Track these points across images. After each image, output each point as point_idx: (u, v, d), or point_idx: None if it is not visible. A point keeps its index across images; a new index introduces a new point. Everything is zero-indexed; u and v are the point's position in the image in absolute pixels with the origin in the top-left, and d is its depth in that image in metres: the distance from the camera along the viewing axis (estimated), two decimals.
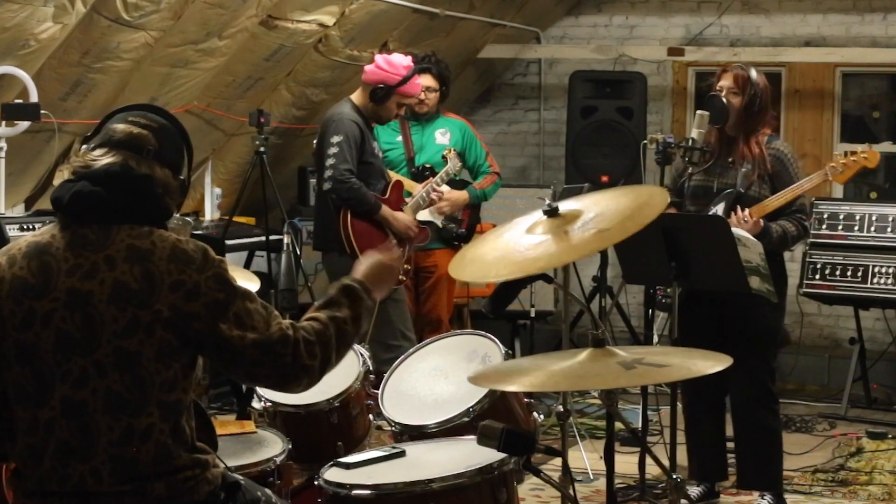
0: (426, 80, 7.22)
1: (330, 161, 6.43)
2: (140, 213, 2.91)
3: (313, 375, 2.97)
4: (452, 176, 7.13)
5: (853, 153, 5.63)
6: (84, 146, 3.00)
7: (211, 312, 2.85)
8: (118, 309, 2.81)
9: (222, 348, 2.88)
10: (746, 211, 5.29)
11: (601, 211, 3.42)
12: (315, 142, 6.68)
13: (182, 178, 3.03)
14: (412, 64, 6.66)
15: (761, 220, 5.28)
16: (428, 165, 7.24)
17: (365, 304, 3.12)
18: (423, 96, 7.22)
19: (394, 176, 7.04)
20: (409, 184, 7.08)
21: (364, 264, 3.24)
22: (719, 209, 5.34)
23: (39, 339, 2.84)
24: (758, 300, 5.12)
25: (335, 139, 6.46)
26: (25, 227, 5.59)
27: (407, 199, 6.82)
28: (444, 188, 7.15)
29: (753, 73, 5.44)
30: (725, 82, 5.45)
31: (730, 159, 5.45)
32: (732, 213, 5.29)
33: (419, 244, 7.00)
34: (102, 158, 2.93)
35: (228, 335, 2.86)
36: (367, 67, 6.63)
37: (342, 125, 6.49)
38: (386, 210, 6.61)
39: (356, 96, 6.68)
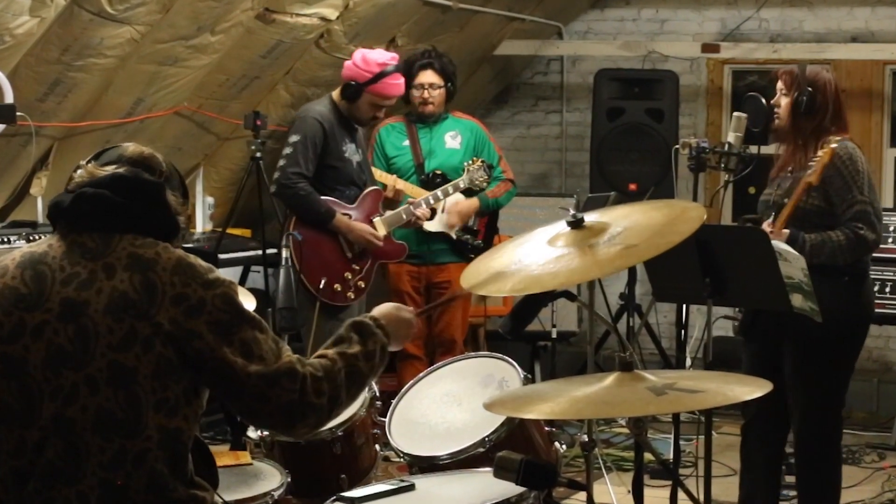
0: (428, 77, 7.21)
1: (280, 162, 6.54)
2: (147, 223, 2.93)
3: (321, 415, 2.97)
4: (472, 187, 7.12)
5: None
6: (83, 165, 3.01)
7: (213, 333, 2.85)
8: (115, 320, 2.82)
9: (224, 376, 2.87)
10: (768, 222, 5.23)
11: (630, 225, 3.41)
12: None
13: (187, 215, 3.06)
14: (390, 62, 6.65)
15: (784, 229, 5.18)
16: (439, 172, 7.22)
17: (378, 340, 3.14)
18: (426, 95, 7.21)
19: (394, 181, 7.03)
20: (417, 192, 7.07)
21: (380, 307, 3.28)
22: (766, 224, 5.28)
23: (28, 353, 2.84)
24: (819, 329, 5.04)
25: (292, 139, 6.56)
26: (0, 239, 5.59)
27: (386, 212, 6.81)
28: (450, 197, 7.14)
29: (808, 70, 5.36)
30: (777, 84, 5.41)
31: (789, 168, 5.39)
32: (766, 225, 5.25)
33: (393, 260, 6.98)
34: (111, 170, 2.97)
35: (231, 361, 2.85)
36: (346, 62, 6.69)
37: (303, 124, 6.59)
38: (340, 219, 6.59)
39: (336, 93, 6.72)
